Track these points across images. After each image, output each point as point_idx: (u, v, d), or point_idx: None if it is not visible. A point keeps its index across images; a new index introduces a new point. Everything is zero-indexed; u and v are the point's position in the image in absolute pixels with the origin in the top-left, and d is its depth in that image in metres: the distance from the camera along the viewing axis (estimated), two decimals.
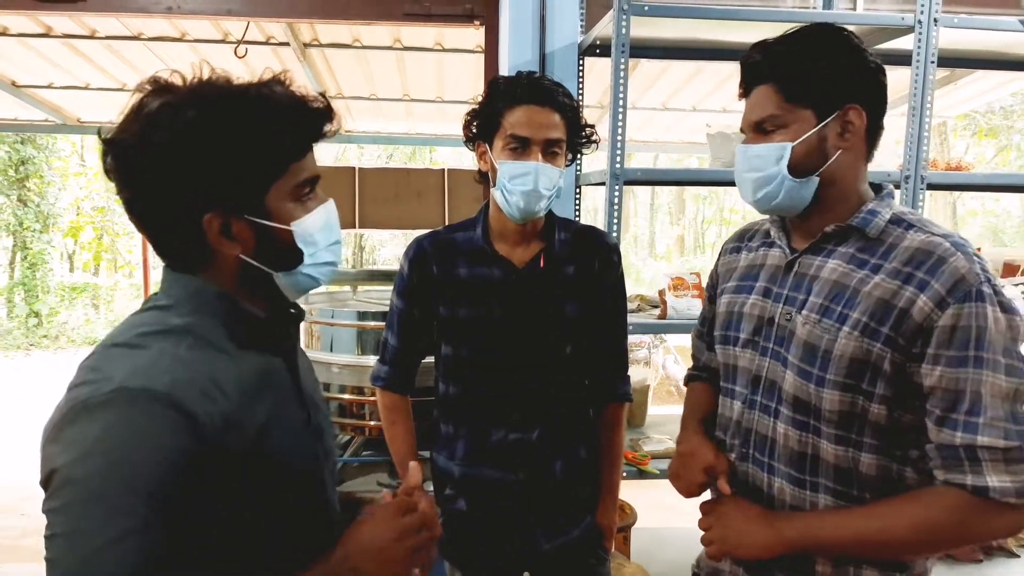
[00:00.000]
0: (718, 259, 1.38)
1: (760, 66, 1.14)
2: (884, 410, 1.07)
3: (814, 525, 1.10)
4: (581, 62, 2.54)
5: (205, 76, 0.88)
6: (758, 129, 1.16)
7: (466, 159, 13.84)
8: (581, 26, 2.53)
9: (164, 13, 2.72)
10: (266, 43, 4.02)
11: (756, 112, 1.15)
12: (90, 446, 0.74)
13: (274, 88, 0.89)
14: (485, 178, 1.58)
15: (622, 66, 2.11)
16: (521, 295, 1.55)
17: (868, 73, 1.11)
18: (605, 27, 2.23)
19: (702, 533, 1.19)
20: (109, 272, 14.45)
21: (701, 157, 11.58)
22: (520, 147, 1.47)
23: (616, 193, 2.14)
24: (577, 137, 1.56)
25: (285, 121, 0.88)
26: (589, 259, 1.60)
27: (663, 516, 3.92)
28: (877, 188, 1.18)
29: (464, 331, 1.56)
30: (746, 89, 1.18)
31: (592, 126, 1.59)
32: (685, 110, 5.10)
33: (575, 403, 1.63)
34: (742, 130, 1.21)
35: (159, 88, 0.86)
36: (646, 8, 2.12)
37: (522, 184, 1.46)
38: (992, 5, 2.88)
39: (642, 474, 2.18)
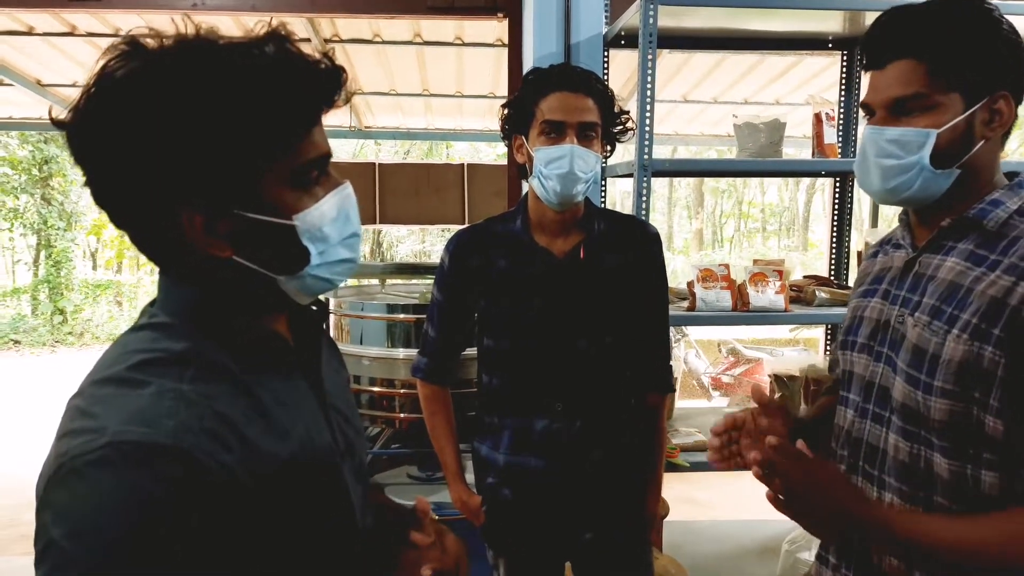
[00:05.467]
0: (862, 265, 1.29)
1: (905, 39, 1.00)
2: (1001, 423, 0.95)
3: (928, 527, 0.98)
4: (606, 54, 2.53)
5: (188, 37, 0.71)
6: (894, 109, 1.02)
7: (483, 154, 13.86)
8: (606, 17, 2.51)
9: (189, 9, 2.74)
10: (294, 38, 4.04)
11: (895, 88, 1.01)
12: (85, 518, 0.62)
13: (266, 48, 0.71)
14: (523, 172, 1.58)
15: (649, 56, 2.10)
16: (562, 285, 1.55)
17: (1019, 58, 1.00)
18: (632, 17, 2.21)
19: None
20: (132, 269, 14.63)
21: (720, 149, 11.51)
22: (555, 132, 1.48)
23: (644, 184, 2.13)
24: (611, 124, 1.56)
25: (281, 89, 0.71)
26: (630, 248, 1.60)
27: (690, 510, 3.92)
28: (1012, 176, 1.05)
29: (505, 322, 1.57)
30: (878, 61, 1.03)
31: (627, 112, 1.59)
32: (706, 102, 5.07)
33: (617, 393, 1.62)
34: (865, 106, 1.07)
35: (128, 52, 0.69)
36: None
37: (558, 168, 1.46)
38: None
39: (672, 467, 2.17)
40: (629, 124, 1.60)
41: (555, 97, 1.48)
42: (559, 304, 1.54)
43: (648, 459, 1.69)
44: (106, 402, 0.68)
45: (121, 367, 0.71)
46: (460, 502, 1.70)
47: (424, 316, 2.56)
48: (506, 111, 1.58)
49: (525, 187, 1.63)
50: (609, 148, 1.60)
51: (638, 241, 1.62)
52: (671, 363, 1.72)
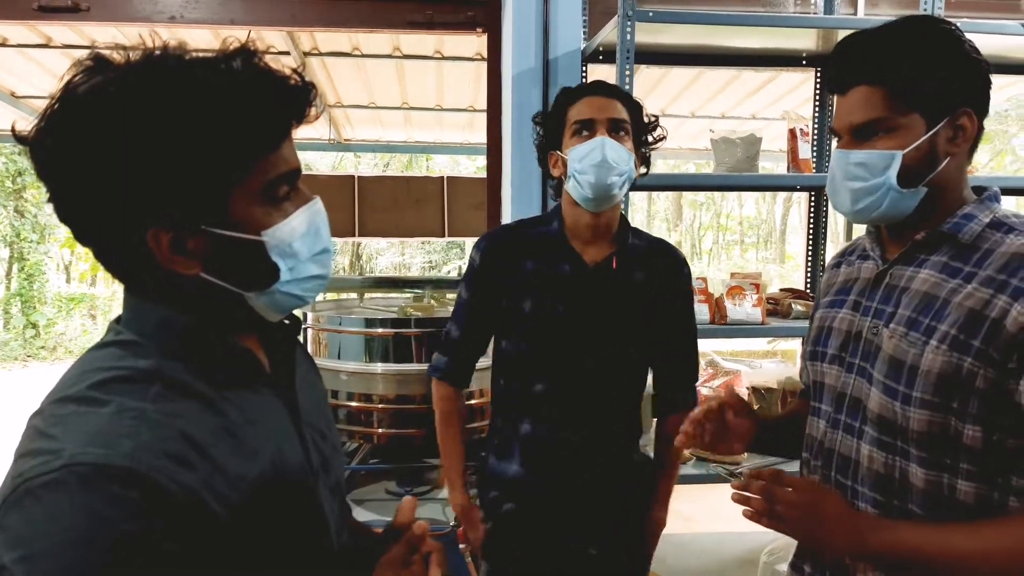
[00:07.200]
0: (823, 276, 1.31)
1: (863, 64, 1.03)
2: (980, 432, 0.96)
3: (906, 537, 0.98)
4: (584, 69, 2.55)
5: (156, 52, 0.70)
6: (858, 133, 1.05)
7: (463, 167, 13.86)
8: (584, 32, 2.54)
9: (167, 22, 2.73)
10: (267, 52, 4.01)
11: (858, 114, 1.04)
12: (39, 541, 0.60)
13: (234, 63, 0.71)
14: (557, 189, 1.59)
15: (627, 72, 2.12)
16: (588, 293, 1.54)
17: (980, 75, 1.02)
18: (609, 33, 2.24)
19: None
20: (107, 283, 14.41)
21: (698, 163, 11.62)
22: (586, 129, 1.50)
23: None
24: (641, 132, 1.57)
25: (250, 104, 0.70)
26: (660, 269, 1.60)
27: (670, 522, 3.91)
28: (980, 190, 1.08)
29: (526, 324, 1.55)
30: (841, 87, 1.06)
31: (657, 117, 1.60)
32: (684, 116, 5.12)
33: (632, 408, 1.61)
34: (832, 130, 1.10)
35: (93, 67, 0.69)
36: (650, 14, 2.13)
37: (591, 159, 1.46)
38: (993, 9, 2.90)
39: None
40: (659, 132, 1.60)
41: (583, 101, 1.52)
42: (583, 311, 1.53)
43: (664, 472, 1.70)
44: (65, 422, 0.66)
45: (83, 385, 0.69)
46: (460, 508, 1.66)
47: (403, 331, 2.57)
48: (540, 129, 1.60)
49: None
50: (644, 168, 1.61)
51: (669, 263, 1.62)
52: (695, 384, 1.72)
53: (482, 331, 1.66)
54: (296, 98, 0.74)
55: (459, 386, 1.69)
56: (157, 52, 0.71)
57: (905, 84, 1.00)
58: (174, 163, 0.68)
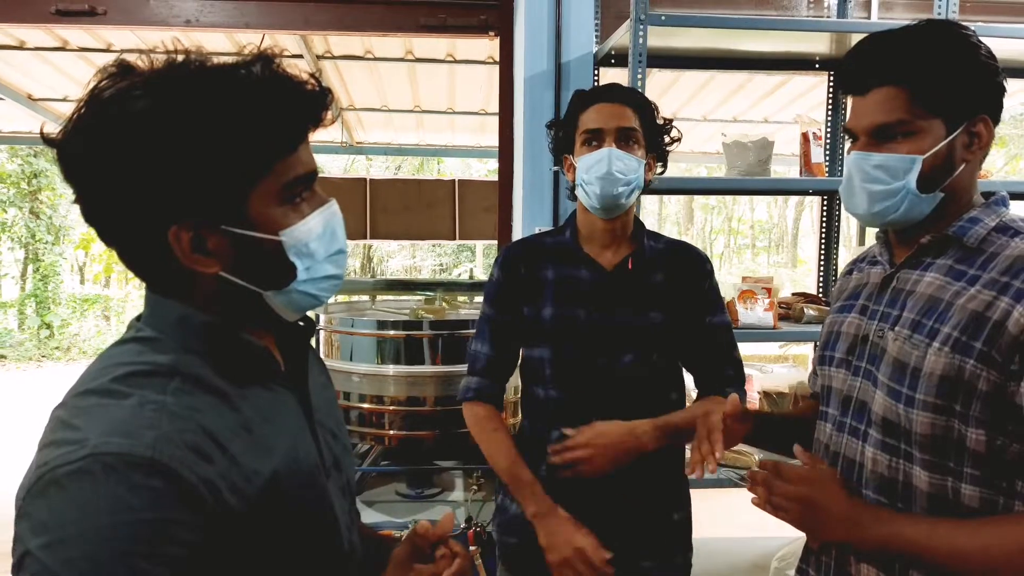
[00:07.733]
0: (836, 283, 1.31)
1: (884, 65, 1.02)
2: (983, 436, 0.95)
3: (906, 532, 0.98)
4: (596, 72, 2.55)
5: (178, 58, 0.73)
6: (877, 135, 1.04)
7: (474, 170, 13.90)
8: (596, 36, 2.54)
9: (183, 26, 2.76)
10: (280, 55, 4.04)
11: (878, 115, 1.03)
12: (63, 529, 0.62)
13: (253, 69, 0.73)
14: (574, 191, 1.59)
15: (639, 76, 2.12)
16: (608, 297, 1.54)
17: (996, 82, 1.03)
18: (621, 37, 2.24)
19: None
20: (120, 284, 14.54)
21: (710, 167, 11.58)
22: (595, 140, 1.51)
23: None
24: (655, 134, 1.57)
25: (268, 109, 0.73)
26: (680, 269, 1.59)
27: None
28: (989, 195, 1.08)
29: (548, 331, 1.55)
30: (860, 88, 1.05)
31: (670, 120, 1.60)
32: (695, 120, 5.11)
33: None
34: (847, 130, 1.09)
35: (117, 73, 0.71)
36: (663, 18, 2.13)
37: (596, 170, 1.48)
38: (1007, 13, 2.88)
39: None
40: (675, 133, 1.60)
41: (593, 109, 1.52)
42: (604, 315, 1.53)
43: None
44: (88, 413, 0.68)
45: (105, 379, 0.71)
46: (538, 517, 1.48)
47: (414, 333, 2.57)
48: (554, 135, 1.61)
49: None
50: (661, 166, 1.61)
51: (689, 262, 1.61)
52: (742, 371, 1.65)
53: (511, 344, 1.62)
54: (313, 103, 0.77)
55: (496, 403, 1.62)
56: (179, 58, 0.73)
57: (928, 88, 1.00)
58: (196, 165, 0.70)
